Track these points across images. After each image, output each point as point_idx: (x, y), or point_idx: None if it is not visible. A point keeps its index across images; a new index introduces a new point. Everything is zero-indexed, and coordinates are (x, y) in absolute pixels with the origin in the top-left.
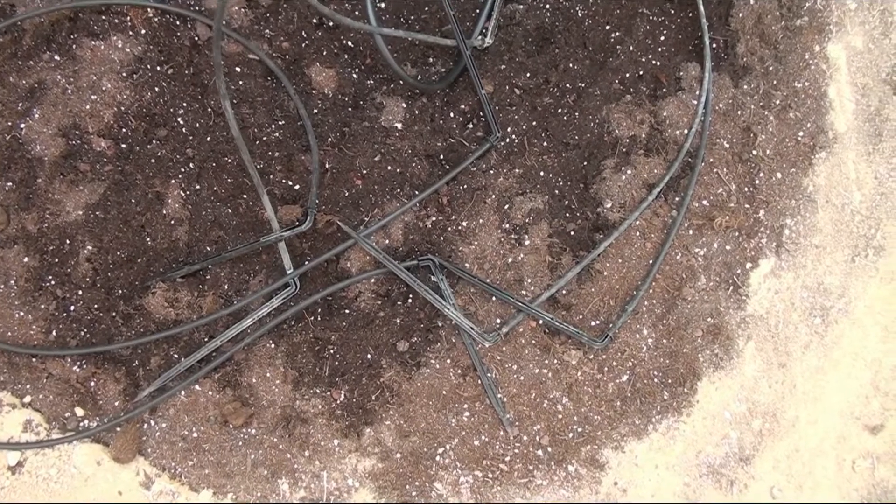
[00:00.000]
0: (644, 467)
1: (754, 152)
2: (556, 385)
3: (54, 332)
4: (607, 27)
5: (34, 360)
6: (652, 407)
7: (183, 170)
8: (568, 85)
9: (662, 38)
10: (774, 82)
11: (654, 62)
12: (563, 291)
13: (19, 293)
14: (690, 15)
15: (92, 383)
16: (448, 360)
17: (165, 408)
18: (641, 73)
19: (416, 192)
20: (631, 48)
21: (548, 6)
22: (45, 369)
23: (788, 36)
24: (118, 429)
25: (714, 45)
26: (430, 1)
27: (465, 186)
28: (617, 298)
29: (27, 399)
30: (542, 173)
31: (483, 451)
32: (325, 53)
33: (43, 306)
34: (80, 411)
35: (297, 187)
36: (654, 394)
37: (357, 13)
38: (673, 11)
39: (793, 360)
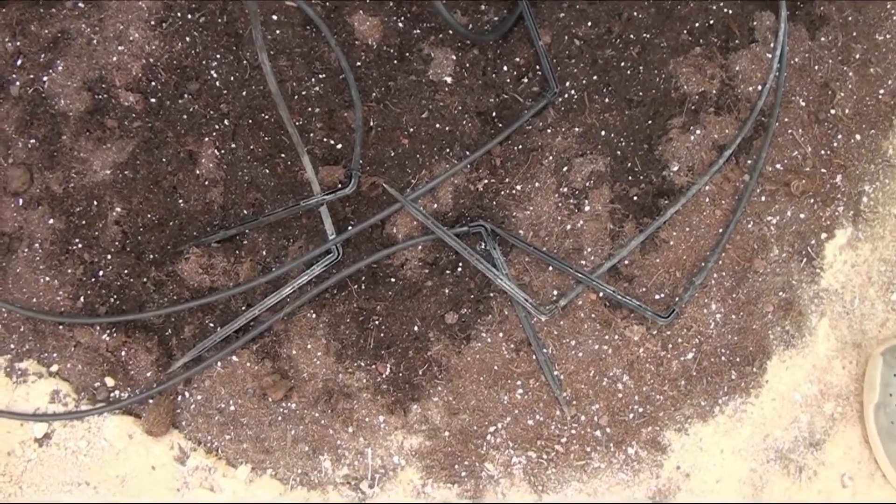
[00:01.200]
0: (709, 451)
1: (832, 111)
2: (616, 362)
3: (82, 299)
4: None
5: (61, 327)
6: (718, 387)
7: (217, 127)
8: (632, 35)
9: None
10: (854, 34)
11: (725, 10)
12: (626, 262)
13: (45, 257)
14: None
15: (122, 352)
16: (500, 334)
17: (201, 379)
18: (712, 22)
19: (467, 153)
20: None
21: None
22: (73, 337)
23: None
24: (151, 401)
25: None
26: None
27: (520, 146)
28: (683, 270)
29: (54, 368)
30: (603, 133)
31: (537, 431)
32: (368, 0)
33: (70, 271)
34: (110, 381)
35: (338, 146)
36: (722, 373)
37: None
38: None
39: (868, 340)
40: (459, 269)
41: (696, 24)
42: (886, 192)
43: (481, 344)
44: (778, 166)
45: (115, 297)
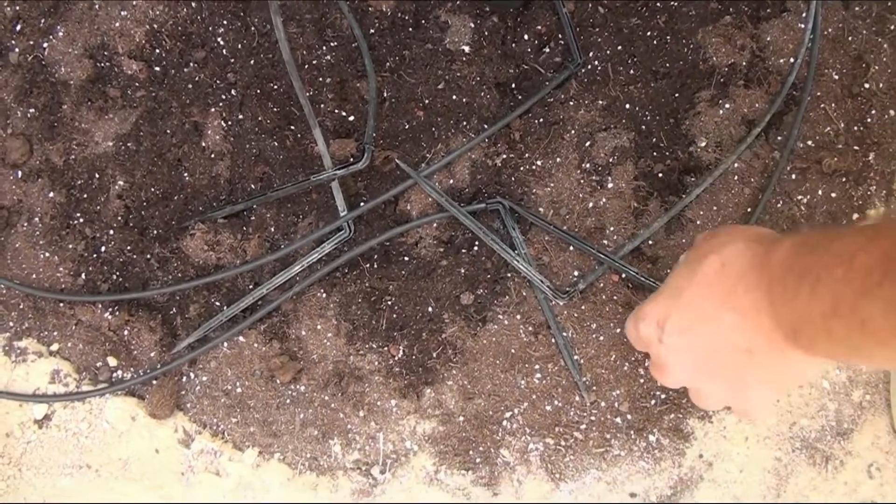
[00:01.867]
0: (733, 439)
1: (866, 85)
2: None
3: (83, 276)
4: None
5: (62, 304)
6: None
7: (224, 97)
8: (658, 3)
9: None
10: (889, 3)
11: None
12: (650, 242)
13: (45, 231)
14: None
15: (125, 332)
16: (518, 316)
17: (206, 360)
18: None
19: (485, 126)
20: None
21: None
22: (74, 315)
23: None
24: (154, 382)
25: None
26: None
27: (541, 120)
28: None
29: (54, 347)
30: (627, 106)
31: (555, 417)
32: None
33: (71, 246)
34: (112, 361)
35: (350, 118)
36: None
37: None
38: None
39: None
40: (476, 248)
41: None
42: None
43: (498, 326)
44: (809, 143)
45: (117, 273)
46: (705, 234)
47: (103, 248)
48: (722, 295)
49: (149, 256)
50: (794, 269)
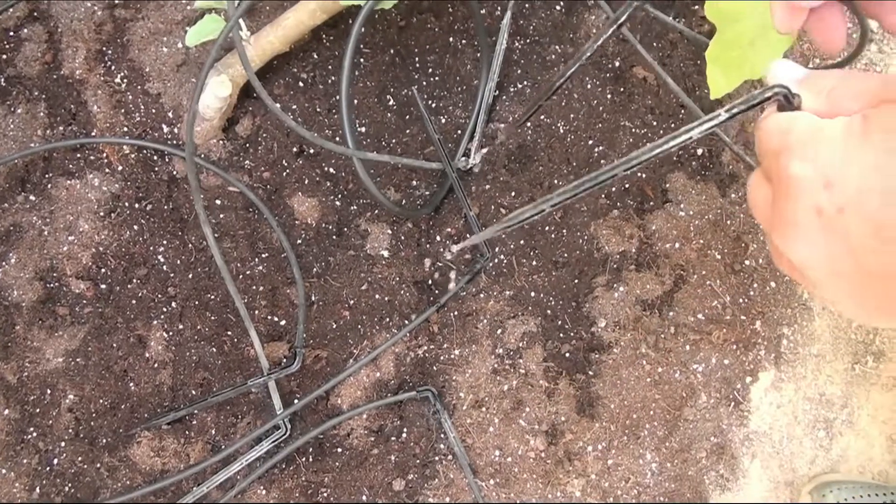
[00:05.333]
0: None
1: (747, 262)
2: None
3: (38, 489)
4: (590, 142)
5: None
6: None
7: (165, 309)
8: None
9: None
10: None
11: (639, 175)
12: (563, 418)
13: (1, 448)
14: (673, 126)
15: None
16: (447, 498)
17: None
18: (627, 186)
19: (406, 321)
20: (615, 161)
21: (529, 124)
22: None
23: None
24: None
25: (700, 154)
26: (411, 124)
27: (456, 313)
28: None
29: None
30: (532, 294)
31: None
32: (306, 182)
33: (25, 461)
34: None
35: (282, 322)
36: None
37: (337, 140)
38: (655, 123)
39: (799, 477)
40: (405, 436)
41: (613, 189)
42: (805, 333)
43: None
44: (700, 316)
45: (69, 485)
46: None
47: (55, 461)
48: None
49: (99, 465)
50: None
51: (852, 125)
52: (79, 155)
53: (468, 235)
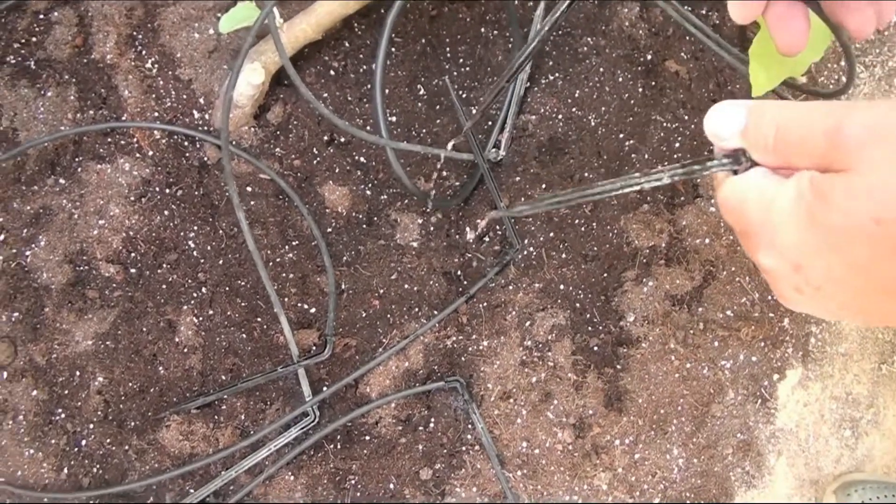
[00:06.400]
0: None
1: None
2: None
3: (66, 470)
4: (621, 135)
5: (46, 498)
6: None
7: (195, 295)
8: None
9: (677, 144)
10: None
11: None
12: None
13: (28, 429)
14: None
15: None
16: (474, 489)
17: None
18: None
19: (435, 312)
20: (646, 156)
21: (560, 116)
22: None
23: None
24: None
25: None
26: (441, 114)
27: (485, 304)
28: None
29: None
30: (562, 287)
31: None
32: (337, 171)
33: (53, 441)
34: None
35: (312, 310)
36: None
37: (368, 129)
38: (687, 117)
39: (824, 476)
40: (432, 425)
41: None
42: (832, 332)
43: (455, 499)
44: (728, 313)
45: (97, 466)
46: None
47: (84, 442)
48: None
49: (127, 448)
50: None
51: (802, 195)
52: (109, 139)
53: (497, 227)
